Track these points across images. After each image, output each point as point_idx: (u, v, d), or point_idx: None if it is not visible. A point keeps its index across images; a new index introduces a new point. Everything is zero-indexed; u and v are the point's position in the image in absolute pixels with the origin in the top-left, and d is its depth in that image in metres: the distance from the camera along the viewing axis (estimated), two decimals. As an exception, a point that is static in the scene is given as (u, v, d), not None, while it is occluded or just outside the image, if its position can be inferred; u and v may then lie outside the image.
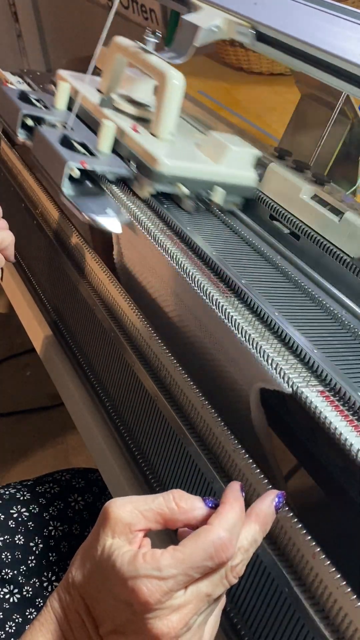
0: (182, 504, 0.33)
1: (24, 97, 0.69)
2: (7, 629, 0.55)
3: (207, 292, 0.48)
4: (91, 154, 0.60)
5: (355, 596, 0.33)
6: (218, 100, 1.06)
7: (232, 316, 0.46)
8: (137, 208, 0.59)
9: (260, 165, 0.65)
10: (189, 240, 0.55)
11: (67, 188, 0.57)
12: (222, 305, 0.46)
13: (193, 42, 0.62)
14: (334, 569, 0.34)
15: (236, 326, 0.45)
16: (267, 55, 0.62)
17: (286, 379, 0.40)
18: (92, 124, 0.68)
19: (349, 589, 0.33)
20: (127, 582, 0.30)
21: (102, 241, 0.65)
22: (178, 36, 0.65)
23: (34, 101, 0.69)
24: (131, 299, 0.55)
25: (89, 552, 0.32)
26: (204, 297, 0.48)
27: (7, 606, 0.57)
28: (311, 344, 0.43)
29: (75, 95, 0.70)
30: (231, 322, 0.45)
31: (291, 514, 0.37)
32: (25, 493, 0.65)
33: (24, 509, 0.63)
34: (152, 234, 0.54)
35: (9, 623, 0.56)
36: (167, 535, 0.44)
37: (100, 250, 0.62)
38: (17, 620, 0.56)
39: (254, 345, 0.43)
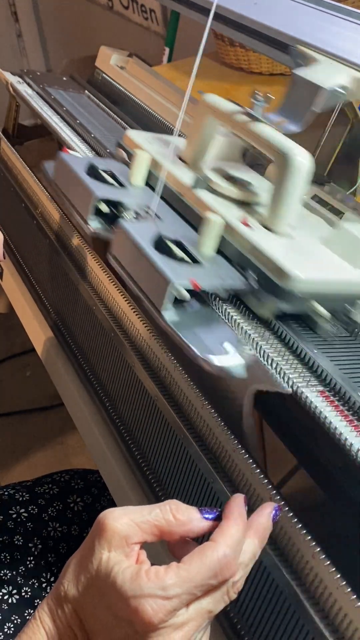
0: (179, 515, 0.32)
1: (92, 171, 0.55)
2: (5, 630, 0.55)
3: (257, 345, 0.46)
4: (192, 259, 0.45)
5: (355, 596, 0.33)
6: (218, 100, 1.06)
7: (232, 316, 0.45)
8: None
9: (260, 165, 0.65)
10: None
11: (170, 314, 0.42)
12: (222, 305, 0.46)
13: (312, 107, 0.48)
14: (334, 569, 0.34)
15: (236, 326, 0.45)
16: (267, 55, 0.61)
17: (286, 378, 0.40)
18: (181, 209, 0.54)
19: (349, 589, 0.33)
20: (129, 601, 0.29)
21: (102, 241, 0.65)
22: (291, 97, 0.50)
23: (103, 174, 0.55)
24: (131, 299, 0.55)
25: (84, 565, 0.31)
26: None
27: (6, 607, 0.57)
28: (311, 344, 0.43)
29: (155, 168, 0.56)
30: (231, 322, 0.45)
31: (291, 514, 0.37)
32: (24, 494, 0.65)
33: (22, 510, 0.63)
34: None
35: (7, 624, 0.56)
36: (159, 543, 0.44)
37: (100, 250, 0.62)
38: (15, 622, 0.56)
39: (254, 345, 0.43)
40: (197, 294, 0.44)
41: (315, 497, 0.50)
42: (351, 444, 0.36)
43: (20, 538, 0.61)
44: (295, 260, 0.44)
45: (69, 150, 0.66)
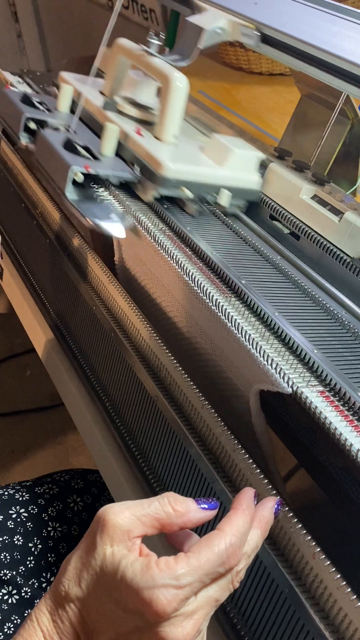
0: (178, 507, 0.33)
1: (26, 99, 0.68)
2: (5, 630, 0.55)
3: (207, 292, 0.48)
4: (95, 157, 0.59)
5: (355, 596, 0.33)
6: (218, 100, 1.06)
7: (232, 316, 0.45)
8: (141, 212, 0.58)
9: (261, 166, 0.65)
10: (191, 243, 0.55)
11: (70, 193, 0.56)
12: (222, 305, 0.46)
13: (197, 45, 0.61)
14: (334, 569, 0.34)
15: (236, 326, 0.45)
16: (269, 56, 0.62)
17: (286, 379, 0.40)
18: (95, 127, 0.67)
19: (349, 589, 0.33)
20: (142, 593, 0.29)
21: (102, 241, 0.65)
22: (181, 38, 0.64)
23: (36, 104, 0.68)
24: (131, 300, 0.55)
25: (85, 562, 0.31)
26: (204, 297, 0.47)
27: (6, 607, 0.57)
28: (311, 344, 0.43)
29: (78, 98, 0.69)
30: (231, 322, 0.45)
31: (291, 514, 0.37)
32: (24, 494, 0.65)
33: (22, 510, 0.63)
34: (154, 237, 0.54)
35: (7, 624, 0.56)
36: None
37: (100, 250, 0.62)
38: (15, 622, 0.56)
39: (254, 346, 0.43)
40: (96, 181, 0.59)
41: (315, 497, 0.50)
42: (351, 444, 0.36)
43: (20, 538, 0.61)
44: (171, 157, 0.59)
45: (10, 86, 0.82)
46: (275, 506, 0.36)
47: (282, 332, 0.44)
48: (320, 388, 0.40)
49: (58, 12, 2.11)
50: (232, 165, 0.61)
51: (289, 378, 0.40)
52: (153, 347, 0.51)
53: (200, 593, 0.31)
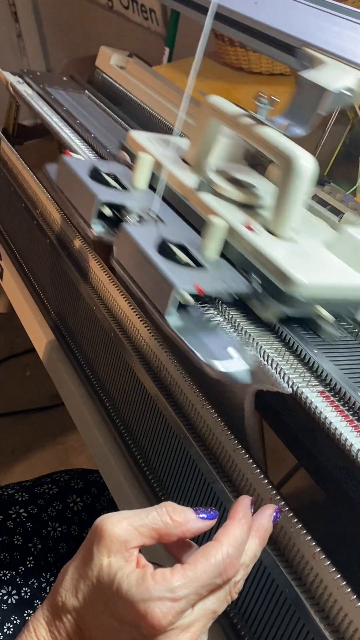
0: (176, 517, 0.32)
1: (95, 174, 0.54)
2: (5, 630, 0.55)
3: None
4: (197, 263, 0.45)
5: (355, 596, 0.33)
6: (218, 100, 1.06)
7: (232, 316, 0.45)
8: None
9: (260, 166, 0.65)
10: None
11: (173, 318, 0.41)
12: (227, 310, 0.46)
13: (318, 109, 0.48)
14: (334, 569, 0.34)
15: (236, 326, 0.45)
16: (267, 55, 0.61)
17: (286, 379, 0.40)
18: (184, 211, 0.53)
19: (349, 589, 0.33)
20: (137, 605, 0.29)
21: (102, 241, 0.65)
22: (296, 100, 0.50)
23: (106, 178, 0.54)
24: (131, 300, 0.55)
25: (82, 573, 0.31)
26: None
27: (5, 607, 0.57)
28: (311, 344, 0.43)
29: (158, 169, 0.55)
30: (235, 326, 0.45)
31: (291, 514, 0.37)
32: (23, 494, 0.65)
33: (22, 510, 0.63)
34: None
35: (7, 624, 0.56)
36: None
37: (100, 250, 0.62)
38: (15, 622, 0.56)
39: (255, 346, 0.43)
40: (202, 298, 0.44)
41: (315, 497, 0.50)
42: (351, 444, 0.36)
43: (19, 538, 0.61)
44: (299, 265, 0.44)
45: (72, 153, 0.66)
46: (274, 514, 0.35)
47: (281, 332, 0.44)
48: (320, 388, 0.40)
49: (58, 12, 2.11)
50: None
51: (289, 378, 0.40)
52: (153, 347, 0.51)
53: (197, 605, 0.30)
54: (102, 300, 0.59)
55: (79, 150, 0.71)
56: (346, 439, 0.36)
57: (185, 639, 0.30)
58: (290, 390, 0.39)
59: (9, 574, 0.59)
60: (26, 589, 0.59)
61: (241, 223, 0.48)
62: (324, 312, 0.43)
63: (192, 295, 0.41)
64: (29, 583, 0.59)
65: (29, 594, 0.58)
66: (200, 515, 0.33)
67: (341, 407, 0.39)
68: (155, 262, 0.42)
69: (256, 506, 0.36)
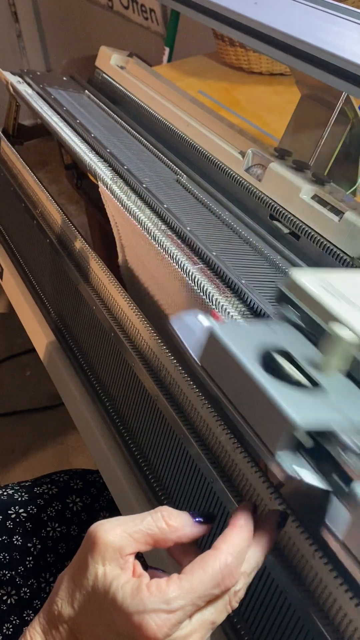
0: (172, 522, 0.31)
1: (268, 360, 0.33)
2: (4, 630, 0.55)
3: (208, 293, 0.48)
4: None
5: (355, 596, 0.33)
6: (218, 100, 1.06)
7: (232, 316, 0.45)
8: None
9: (261, 165, 0.65)
10: None
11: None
12: (223, 306, 0.46)
13: None
14: (334, 569, 0.34)
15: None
16: (267, 55, 0.61)
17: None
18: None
19: (349, 589, 0.33)
20: (132, 617, 0.28)
21: (102, 241, 0.65)
22: None
23: (284, 366, 0.33)
24: (131, 300, 0.55)
25: (78, 582, 0.30)
26: (205, 297, 0.47)
27: (5, 608, 0.57)
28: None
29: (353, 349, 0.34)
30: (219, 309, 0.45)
31: (291, 514, 0.37)
32: (23, 494, 0.65)
33: (22, 510, 0.63)
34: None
35: (6, 625, 0.56)
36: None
37: (100, 250, 0.62)
38: (14, 622, 0.56)
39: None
40: None
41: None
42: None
43: (19, 538, 0.61)
44: None
45: (221, 316, 0.46)
46: (280, 520, 0.34)
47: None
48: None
49: (58, 12, 2.11)
50: None
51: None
52: (153, 347, 0.51)
53: (195, 616, 0.30)
54: (102, 300, 0.59)
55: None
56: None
57: None
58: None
59: (9, 574, 0.59)
60: (25, 589, 0.59)
61: None
62: None
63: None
64: (29, 583, 0.59)
65: (28, 594, 0.58)
66: (197, 520, 0.32)
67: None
68: None
69: (258, 509, 0.36)
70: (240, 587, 0.31)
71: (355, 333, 0.33)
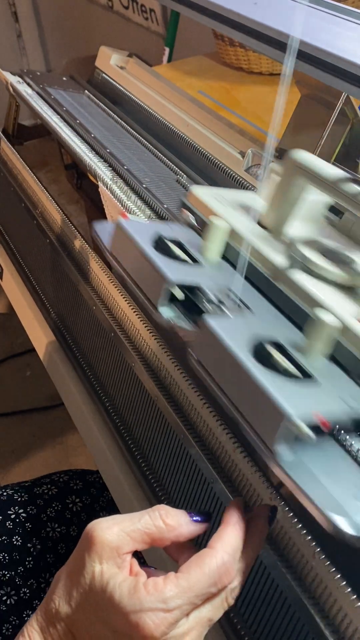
0: (169, 520, 0.31)
1: (160, 244, 0.44)
2: (4, 631, 0.55)
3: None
4: (303, 372, 0.34)
5: (355, 596, 0.33)
6: (218, 100, 1.06)
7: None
8: None
9: (261, 165, 0.65)
10: None
11: (286, 453, 0.30)
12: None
13: None
14: (334, 569, 0.34)
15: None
16: (267, 55, 0.61)
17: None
18: (270, 293, 0.43)
19: (349, 589, 0.33)
20: (129, 616, 0.28)
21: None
22: None
23: (172, 247, 0.44)
24: (131, 300, 0.55)
25: (75, 580, 0.30)
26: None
27: (4, 608, 0.57)
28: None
29: (233, 238, 0.46)
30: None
31: (291, 514, 0.37)
32: (23, 494, 0.65)
33: (21, 510, 0.63)
34: None
35: (5, 625, 0.56)
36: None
37: (100, 250, 0.62)
38: (14, 622, 0.56)
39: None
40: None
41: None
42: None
43: (19, 538, 0.61)
44: None
45: (129, 215, 0.56)
46: (270, 514, 0.34)
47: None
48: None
49: (58, 12, 2.11)
50: None
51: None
52: (153, 347, 0.51)
53: (192, 614, 0.30)
54: (102, 300, 0.59)
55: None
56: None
57: None
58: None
59: (8, 575, 0.59)
60: (25, 589, 0.59)
61: (355, 318, 0.37)
62: None
63: (312, 428, 0.30)
64: (28, 584, 0.59)
65: (27, 594, 0.58)
66: (194, 519, 0.32)
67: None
68: (258, 379, 0.31)
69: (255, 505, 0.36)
70: (236, 584, 0.31)
71: (228, 223, 0.46)
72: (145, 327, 0.52)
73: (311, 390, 0.33)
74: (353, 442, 0.33)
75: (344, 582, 0.33)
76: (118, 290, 0.56)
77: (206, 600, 0.30)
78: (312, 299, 0.40)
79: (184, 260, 0.43)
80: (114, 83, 0.91)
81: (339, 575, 0.34)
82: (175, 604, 0.29)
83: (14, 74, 0.91)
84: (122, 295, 0.55)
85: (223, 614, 0.41)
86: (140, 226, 0.46)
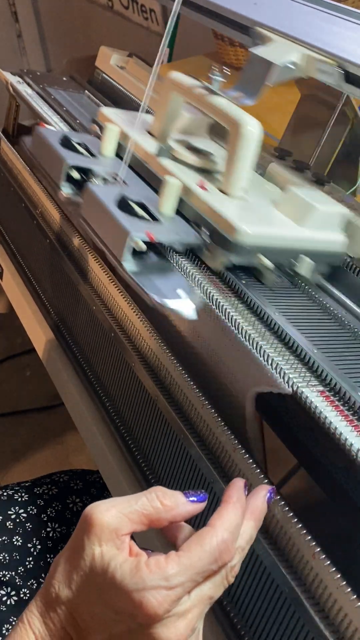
0: (166, 501, 0.32)
1: (66, 142, 0.60)
2: (4, 631, 0.55)
3: (208, 292, 0.48)
4: (153, 217, 0.50)
5: (355, 596, 0.33)
6: (218, 100, 1.06)
7: (231, 315, 0.45)
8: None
9: (261, 165, 0.65)
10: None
11: (129, 264, 0.46)
12: (223, 305, 0.46)
13: (265, 81, 0.52)
14: (334, 569, 0.34)
15: (236, 326, 0.45)
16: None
17: (286, 379, 0.40)
18: (145, 174, 0.59)
19: (349, 589, 0.33)
20: (132, 595, 0.29)
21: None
22: (247, 73, 0.54)
23: (77, 146, 0.59)
24: (131, 300, 0.55)
25: (74, 563, 0.31)
26: (204, 296, 0.47)
27: (4, 608, 0.57)
28: (311, 344, 0.43)
29: (124, 139, 0.61)
30: (231, 322, 0.45)
31: (291, 514, 0.37)
32: (23, 494, 0.65)
33: (22, 510, 0.63)
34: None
35: (5, 625, 0.56)
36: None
37: (100, 250, 0.62)
38: (14, 623, 0.56)
39: (254, 345, 0.43)
40: (157, 249, 0.50)
41: (315, 497, 0.50)
42: (351, 444, 0.36)
43: (19, 538, 0.61)
44: (244, 218, 0.49)
45: (45, 125, 0.72)
46: (268, 494, 0.35)
47: (282, 332, 0.44)
48: (320, 388, 0.40)
49: (58, 12, 2.11)
50: (313, 225, 0.52)
51: (289, 378, 0.40)
52: (153, 347, 0.51)
53: (194, 592, 0.30)
54: (102, 300, 0.59)
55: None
56: (346, 439, 0.36)
57: (182, 625, 0.30)
58: (290, 390, 0.39)
59: (8, 575, 0.59)
60: (25, 589, 0.59)
61: (195, 183, 0.54)
62: (265, 260, 0.48)
63: (148, 245, 0.46)
64: (28, 584, 0.59)
65: (28, 594, 0.58)
66: (191, 499, 0.33)
67: (341, 406, 0.39)
68: (114, 214, 0.48)
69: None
70: (236, 562, 0.32)
71: (119, 126, 0.61)
72: (145, 327, 0.52)
73: (153, 225, 0.49)
74: (180, 259, 0.50)
75: (344, 582, 0.33)
76: (118, 290, 0.56)
77: (207, 578, 0.31)
78: (167, 171, 0.56)
79: (83, 154, 0.59)
80: (114, 83, 0.91)
81: (339, 575, 0.34)
82: (178, 581, 0.29)
83: (14, 74, 0.91)
84: (122, 295, 0.55)
85: (224, 615, 0.41)
86: (54, 132, 0.62)
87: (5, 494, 0.65)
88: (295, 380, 0.40)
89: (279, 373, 0.40)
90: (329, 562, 0.34)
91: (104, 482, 0.66)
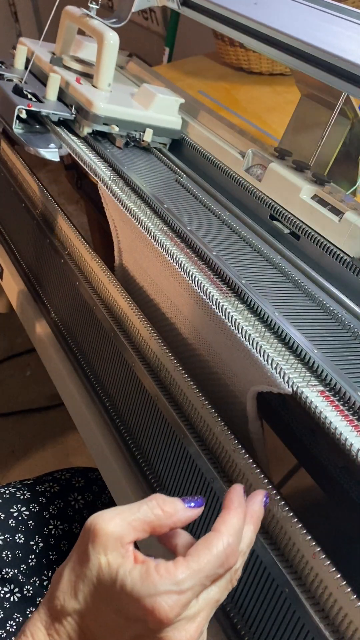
0: (167, 508, 0.32)
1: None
2: (7, 628, 0.55)
3: (207, 291, 0.48)
4: (40, 101, 0.72)
5: (355, 596, 0.33)
6: (218, 100, 1.06)
7: (231, 315, 0.46)
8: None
9: (261, 165, 0.65)
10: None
11: (16, 127, 0.69)
12: (222, 304, 0.46)
13: (132, 9, 0.81)
14: (334, 569, 0.34)
15: (236, 325, 0.45)
16: (267, 55, 0.62)
17: (286, 379, 0.40)
18: (44, 79, 0.78)
19: (349, 589, 0.33)
20: (143, 601, 0.29)
21: (102, 241, 0.65)
22: (120, 5, 0.82)
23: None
24: (131, 300, 0.55)
25: (80, 574, 0.31)
26: (204, 296, 0.48)
27: (8, 605, 0.57)
28: (311, 344, 0.44)
29: (39, 62, 0.83)
30: (230, 321, 0.45)
31: (291, 514, 0.37)
32: (25, 492, 0.65)
33: (24, 508, 0.63)
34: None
35: (9, 622, 0.56)
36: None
37: (100, 250, 0.62)
38: (17, 620, 0.56)
39: (254, 345, 0.43)
40: (39, 121, 0.73)
41: (315, 497, 0.50)
42: (351, 444, 0.36)
43: (21, 536, 0.61)
44: (103, 99, 0.72)
45: None
46: (264, 499, 0.36)
47: (282, 331, 0.44)
48: (320, 388, 0.40)
49: (58, 12, 2.11)
50: (156, 108, 0.74)
51: (289, 378, 0.40)
52: (153, 347, 0.51)
53: (202, 595, 0.31)
54: (102, 300, 0.59)
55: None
56: (346, 439, 0.36)
57: (192, 628, 0.30)
58: (290, 390, 0.40)
59: (11, 572, 0.59)
60: (28, 587, 0.59)
61: (73, 78, 0.76)
62: (116, 128, 0.72)
63: (31, 116, 0.71)
64: (31, 581, 0.59)
65: (31, 592, 0.58)
66: (189, 505, 0.33)
67: (341, 406, 0.39)
68: (9, 95, 0.70)
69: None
70: (239, 565, 0.33)
71: (28, 47, 0.84)
72: (145, 327, 0.52)
73: (38, 104, 0.71)
74: (56, 128, 0.73)
75: (344, 582, 0.33)
76: (118, 290, 0.56)
77: (214, 582, 0.31)
78: (54, 71, 0.78)
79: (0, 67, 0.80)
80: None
81: (339, 575, 0.34)
82: (188, 586, 0.30)
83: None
84: (122, 295, 0.55)
85: (224, 615, 0.41)
86: None
87: (7, 491, 0.65)
88: (295, 380, 0.40)
89: (279, 373, 0.40)
90: (329, 562, 0.34)
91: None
